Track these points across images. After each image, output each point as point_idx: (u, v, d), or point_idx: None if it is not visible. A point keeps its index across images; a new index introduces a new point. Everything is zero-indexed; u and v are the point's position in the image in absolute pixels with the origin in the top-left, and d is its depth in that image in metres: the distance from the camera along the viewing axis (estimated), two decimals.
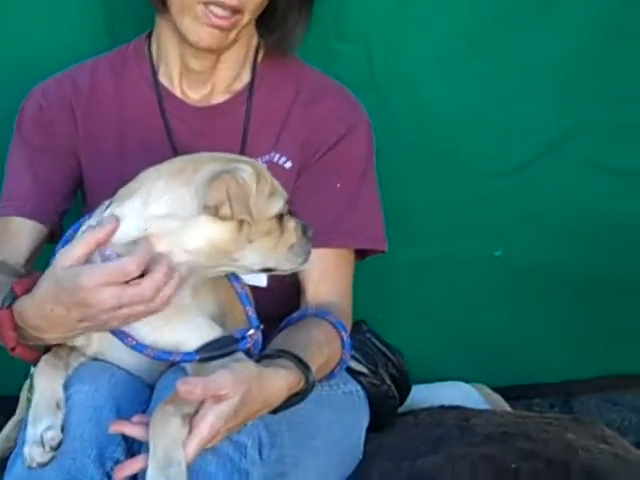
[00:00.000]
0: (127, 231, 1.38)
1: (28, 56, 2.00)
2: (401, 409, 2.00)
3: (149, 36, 1.81)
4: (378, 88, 2.08)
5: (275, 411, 1.44)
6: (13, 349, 1.46)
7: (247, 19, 1.65)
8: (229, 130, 1.77)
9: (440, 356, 2.39)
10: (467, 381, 2.33)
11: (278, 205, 1.45)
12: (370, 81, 2.08)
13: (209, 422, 1.31)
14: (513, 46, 2.10)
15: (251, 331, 1.46)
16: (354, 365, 1.84)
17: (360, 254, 1.83)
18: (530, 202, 2.25)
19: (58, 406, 1.43)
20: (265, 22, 1.76)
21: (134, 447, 1.43)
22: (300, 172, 1.76)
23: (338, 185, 1.75)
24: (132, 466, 1.33)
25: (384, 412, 1.90)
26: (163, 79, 1.79)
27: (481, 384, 2.33)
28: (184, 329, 1.44)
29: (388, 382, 1.89)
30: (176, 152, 1.74)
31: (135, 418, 1.37)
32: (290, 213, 1.53)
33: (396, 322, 2.26)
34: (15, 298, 1.43)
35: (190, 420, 1.31)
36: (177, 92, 1.78)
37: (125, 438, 1.43)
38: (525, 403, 2.50)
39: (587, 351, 2.46)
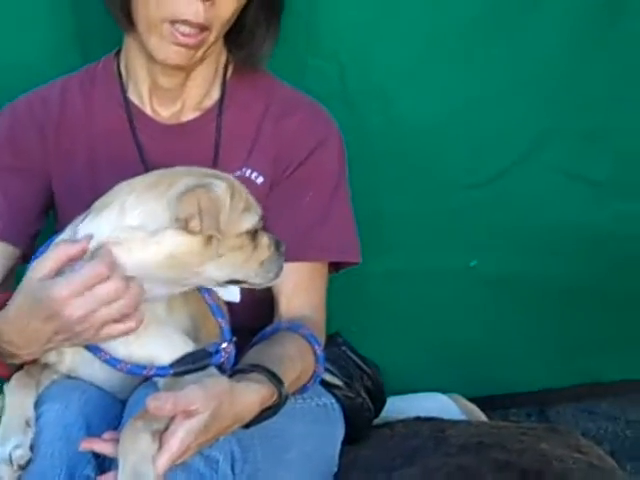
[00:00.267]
0: (102, 240, 1.38)
1: None
2: (377, 421, 2.00)
3: (118, 54, 1.81)
4: (351, 102, 2.08)
5: (248, 425, 1.44)
6: None
7: (214, 36, 1.64)
8: (200, 147, 1.76)
9: (416, 367, 2.39)
10: (443, 392, 2.34)
11: (252, 221, 1.45)
12: (342, 95, 2.08)
13: (179, 437, 1.30)
14: (484, 58, 2.10)
15: (224, 344, 1.46)
16: (329, 378, 1.84)
17: (334, 267, 1.83)
18: (504, 212, 2.26)
19: (28, 424, 1.43)
20: (233, 38, 1.76)
21: (105, 464, 1.42)
22: (272, 187, 1.76)
23: (310, 199, 1.76)
24: None
25: (359, 425, 1.90)
26: (133, 97, 1.79)
27: (457, 395, 2.34)
28: (158, 343, 1.44)
29: (363, 395, 1.89)
30: (147, 170, 1.71)
31: (105, 435, 1.37)
32: (265, 229, 1.54)
33: (371, 334, 2.25)
34: None
35: (160, 436, 1.31)
36: (147, 110, 1.78)
37: (96, 455, 1.43)
38: (501, 413, 2.51)
39: (562, 360, 2.48)
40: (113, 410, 1.49)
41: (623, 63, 2.15)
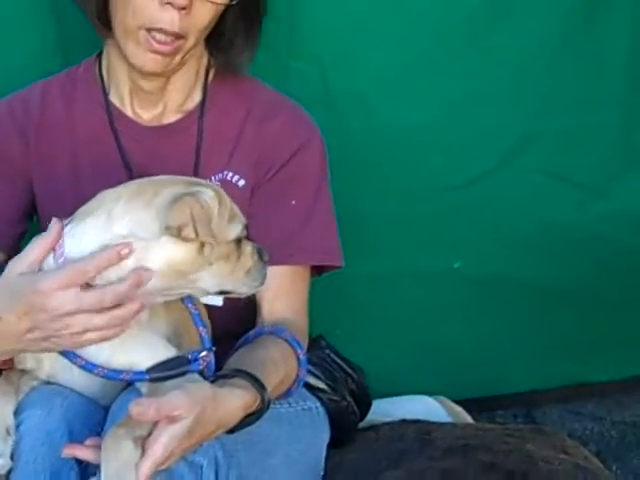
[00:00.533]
0: (88, 246, 1.38)
1: None
2: (362, 424, 2.00)
3: (99, 56, 1.81)
4: (332, 105, 2.08)
5: (231, 431, 1.44)
6: None
7: (191, 43, 1.63)
8: (182, 149, 1.76)
9: (401, 370, 2.39)
10: (429, 394, 2.34)
11: (237, 229, 1.45)
12: (324, 98, 2.08)
13: (162, 443, 1.30)
14: (465, 62, 2.11)
15: (203, 353, 1.45)
16: (313, 381, 1.83)
17: (317, 270, 1.83)
18: (487, 214, 2.26)
19: (8, 433, 1.43)
20: (214, 42, 1.75)
21: (88, 471, 1.41)
22: (254, 190, 1.76)
23: (292, 202, 1.75)
24: None
25: (344, 428, 1.90)
26: (114, 99, 1.78)
27: (443, 397, 2.34)
28: (137, 349, 1.44)
29: (348, 398, 1.89)
30: (130, 172, 1.74)
31: (88, 441, 1.36)
32: (248, 237, 1.54)
33: (355, 337, 2.25)
34: None
35: (143, 442, 1.30)
36: (128, 112, 1.77)
37: (79, 462, 1.42)
38: (488, 415, 2.51)
39: (548, 361, 2.48)
40: (96, 416, 1.49)
41: (604, 65, 2.16)
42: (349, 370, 1.91)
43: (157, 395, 1.34)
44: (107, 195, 1.43)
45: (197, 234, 1.34)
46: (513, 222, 2.29)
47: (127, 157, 1.76)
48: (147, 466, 1.29)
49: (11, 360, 1.49)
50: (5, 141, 1.77)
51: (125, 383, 1.49)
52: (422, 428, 2.01)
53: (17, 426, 1.45)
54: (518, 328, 2.42)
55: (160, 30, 1.58)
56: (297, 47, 2.06)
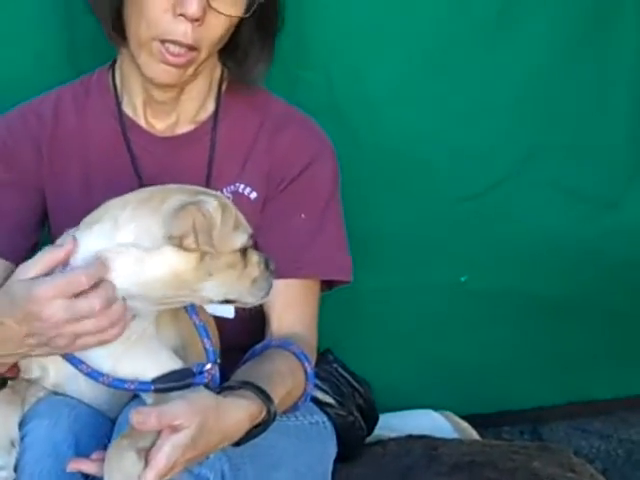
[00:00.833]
0: (91, 254, 1.37)
1: None
2: (369, 438, 1.99)
3: (113, 66, 1.80)
4: (340, 114, 2.09)
5: (238, 443, 1.42)
6: None
7: (204, 56, 1.63)
8: (194, 160, 1.75)
9: (408, 384, 2.38)
10: (435, 409, 2.33)
11: (242, 238, 1.44)
12: (332, 107, 2.08)
13: (166, 453, 1.28)
14: (473, 70, 2.11)
15: (208, 366, 1.44)
16: (320, 396, 1.83)
17: (326, 285, 1.82)
18: (495, 227, 2.26)
19: (13, 445, 1.42)
20: (228, 54, 1.75)
21: None
22: (265, 202, 1.75)
23: (303, 215, 1.75)
24: None
25: (351, 443, 1.89)
26: (127, 109, 1.77)
27: (449, 412, 2.33)
28: (143, 359, 1.43)
29: (355, 413, 1.88)
30: (142, 182, 1.73)
31: (94, 455, 1.35)
32: (257, 246, 1.53)
33: (363, 350, 2.24)
34: None
35: (146, 454, 1.29)
36: (141, 122, 1.77)
37: (85, 474, 1.40)
38: (494, 431, 2.50)
39: (555, 377, 2.48)
40: (103, 428, 1.47)
41: (613, 78, 2.17)
42: (356, 385, 1.90)
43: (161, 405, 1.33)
44: (114, 203, 1.42)
45: (198, 244, 1.34)
46: (521, 235, 2.28)
47: (139, 168, 1.75)
48: (150, 477, 1.27)
49: (17, 368, 1.48)
50: (18, 151, 1.76)
51: (132, 394, 1.48)
52: (429, 444, 2.01)
53: (23, 437, 1.43)
54: (525, 343, 2.41)
55: (173, 42, 1.57)
56: (305, 57, 2.07)
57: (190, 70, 1.64)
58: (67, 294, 1.32)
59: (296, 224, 1.75)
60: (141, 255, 1.36)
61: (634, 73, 2.18)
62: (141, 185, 1.71)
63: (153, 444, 1.30)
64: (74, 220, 1.46)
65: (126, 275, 1.36)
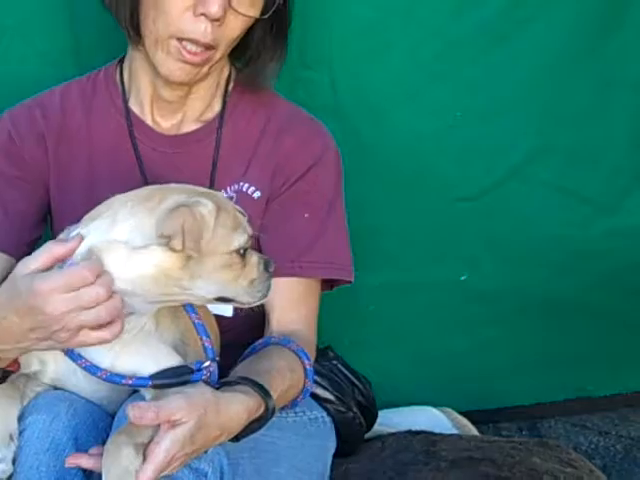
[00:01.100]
0: (90, 248, 1.39)
1: None
2: (369, 434, 2.00)
3: (120, 63, 1.81)
4: (342, 114, 2.09)
5: (236, 439, 1.44)
6: None
7: (220, 54, 1.65)
8: (199, 159, 1.77)
9: (408, 381, 2.39)
10: (435, 405, 2.34)
11: (240, 239, 1.45)
12: (334, 107, 2.09)
13: (164, 447, 1.30)
14: (476, 71, 2.11)
15: (207, 363, 1.45)
16: (320, 392, 1.84)
17: (327, 284, 1.83)
18: (494, 227, 2.26)
19: (11, 438, 1.43)
20: (238, 55, 1.76)
21: (93, 477, 1.42)
22: (269, 202, 1.77)
23: (306, 215, 1.76)
24: None
25: (351, 438, 1.90)
26: (134, 107, 1.79)
27: (449, 408, 2.33)
28: (142, 355, 1.45)
29: (354, 409, 1.89)
30: (146, 180, 1.74)
31: (92, 450, 1.37)
32: (259, 245, 1.53)
33: (363, 347, 2.26)
34: None
35: (144, 449, 1.30)
36: (148, 120, 1.78)
37: (84, 469, 1.41)
38: (493, 427, 2.51)
39: (554, 374, 2.48)
40: (102, 423, 1.49)
41: (614, 79, 2.16)
42: (356, 381, 1.91)
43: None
44: (116, 200, 1.44)
45: (183, 247, 1.35)
46: (521, 235, 2.28)
47: (144, 165, 1.77)
48: (150, 471, 1.29)
49: (17, 363, 1.50)
50: (22, 146, 1.77)
51: (131, 389, 1.49)
52: (428, 439, 2.02)
53: (21, 431, 1.44)
54: (524, 341, 2.41)
55: (192, 40, 1.59)
56: (307, 57, 2.07)
57: (205, 69, 1.66)
58: (70, 288, 1.33)
59: (299, 224, 1.76)
60: (130, 252, 1.37)
61: (636, 76, 2.18)
62: (145, 182, 1.72)
63: (151, 439, 1.31)
64: (76, 215, 1.48)
65: (116, 271, 1.37)
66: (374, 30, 2.07)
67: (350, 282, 1.82)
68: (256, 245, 1.74)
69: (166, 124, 1.78)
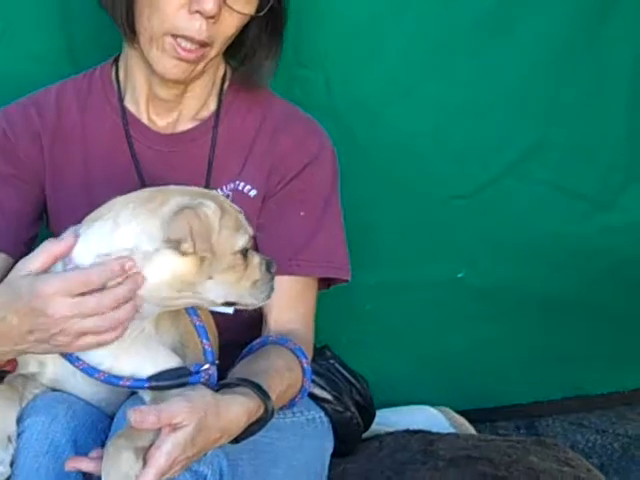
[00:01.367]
0: (91, 252, 1.38)
1: None
2: (366, 434, 1.99)
3: (116, 62, 1.81)
4: (337, 112, 2.09)
5: (236, 440, 1.43)
6: None
7: (215, 52, 1.65)
8: (195, 157, 1.76)
9: (405, 380, 2.39)
10: (432, 404, 2.34)
11: (242, 240, 1.45)
12: (329, 105, 2.08)
13: (166, 451, 1.29)
14: (471, 70, 2.11)
15: (206, 365, 1.45)
16: (318, 392, 1.83)
17: (325, 283, 1.83)
18: (491, 224, 2.26)
19: (10, 440, 1.42)
20: (233, 53, 1.76)
21: (93, 479, 1.40)
22: (265, 200, 1.76)
23: (302, 214, 1.76)
24: None
25: (348, 438, 1.90)
26: (129, 105, 1.78)
27: (446, 407, 2.34)
28: (141, 357, 1.44)
29: (352, 409, 1.88)
30: (142, 178, 1.75)
31: (92, 453, 1.36)
32: (256, 243, 1.53)
33: (361, 346, 2.26)
34: None
35: (145, 453, 1.30)
36: (143, 118, 1.78)
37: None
38: (490, 426, 2.51)
39: (551, 372, 2.48)
40: (101, 424, 1.48)
41: (609, 76, 2.16)
42: (354, 381, 1.91)
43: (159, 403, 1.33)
44: (117, 201, 1.43)
45: (195, 249, 1.35)
46: (517, 232, 2.28)
47: (140, 164, 1.76)
48: (151, 476, 1.28)
49: (15, 361, 1.49)
50: (18, 145, 1.77)
51: (130, 391, 1.49)
52: (425, 438, 2.02)
53: (20, 433, 1.44)
54: (521, 339, 2.42)
55: (187, 37, 1.59)
56: (302, 55, 2.07)
57: (200, 66, 1.65)
58: (74, 292, 1.33)
59: (295, 222, 1.76)
60: (142, 256, 1.37)
61: (632, 72, 2.17)
62: (141, 181, 1.73)
63: (151, 443, 1.31)
64: (73, 213, 1.47)
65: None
66: (368, 29, 2.07)
67: (347, 281, 1.82)
68: (253, 244, 1.74)
69: (162, 122, 1.78)
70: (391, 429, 2.11)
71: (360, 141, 2.14)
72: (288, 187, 1.76)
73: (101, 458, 1.32)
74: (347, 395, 1.88)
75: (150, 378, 1.42)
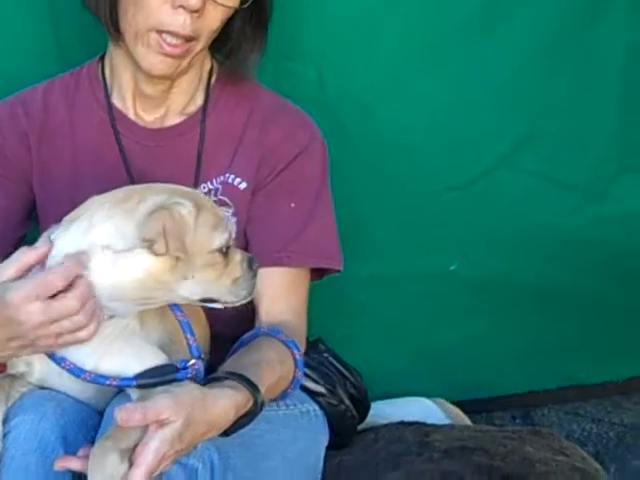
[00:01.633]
0: (62, 254, 1.38)
1: None
2: (361, 426, 1.99)
3: (102, 59, 1.81)
4: (329, 106, 2.08)
5: (226, 434, 1.43)
6: None
7: (201, 46, 1.64)
8: (183, 152, 1.76)
9: (399, 372, 2.39)
10: (427, 396, 2.34)
11: (221, 238, 1.44)
12: (321, 99, 2.07)
13: (154, 448, 1.29)
14: (462, 63, 2.11)
15: (192, 361, 1.45)
16: (311, 385, 1.83)
17: (317, 274, 1.83)
18: (483, 216, 2.26)
19: None
20: (219, 47, 1.76)
21: (82, 476, 1.38)
22: (255, 193, 1.76)
23: (292, 205, 1.76)
24: None
25: (343, 431, 1.90)
26: (116, 102, 1.78)
27: (441, 399, 2.34)
28: (126, 355, 1.44)
29: (346, 402, 1.88)
30: (130, 174, 1.75)
31: (81, 452, 1.35)
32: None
33: (354, 339, 2.26)
34: None
35: (130, 454, 1.29)
36: (131, 114, 1.78)
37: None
38: (486, 416, 2.52)
39: (546, 362, 2.49)
40: (90, 421, 1.49)
41: (601, 67, 2.16)
42: (348, 374, 1.90)
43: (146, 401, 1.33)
44: (95, 201, 1.44)
45: (167, 249, 1.34)
46: (509, 224, 2.28)
47: (128, 160, 1.76)
48: (140, 473, 1.28)
49: (4, 365, 1.49)
50: (6, 144, 1.77)
51: (117, 388, 1.48)
52: (420, 430, 2.01)
53: (9, 432, 1.44)
54: (515, 330, 2.42)
55: (171, 33, 1.59)
56: (293, 49, 2.06)
57: (186, 61, 1.65)
58: (41, 297, 1.33)
59: (286, 213, 1.75)
60: (115, 257, 1.37)
61: (624, 63, 2.17)
62: (130, 178, 1.73)
63: (137, 443, 1.30)
64: (63, 212, 1.47)
65: (102, 276, 1.37)
66: (361, 23, 2.06)
67: (339, 271, 1.81)
68: (243, 236, 1.74)
69: (149, 118, 1.78)
70: (386, 421, 2.10)
71: (353, 134, 2.14)
72: (278, 178, 1.76)
73: (88, 457, 1.32)
74: (341, 388, 1.88)
75: (137, 376, 1.42)
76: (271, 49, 1.85)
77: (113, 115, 1.78)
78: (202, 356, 1.48)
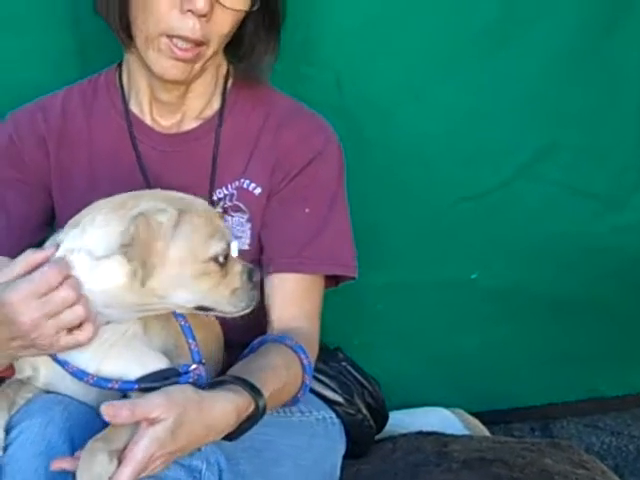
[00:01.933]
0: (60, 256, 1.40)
1: None
2: (379, 435, 1.98)
3: (120, 65, 1.82)
4: (347, 112, 2.07)
5: (229, 438, 1.42)
6: None
7: (212, 50, 1.64)
8: (199, 156, 1.76)
9: (418, 381, 2.38)
10: (446, 406, 2.32)
11: (217, 247, 1.43)
12: (339, 105, 2.07)
13: (143, 446, 1.28)
14: (482, 69, 2.10)
15: (193, 366, 1.44)
16: (329, 394, 1.82)
17: (332, 281, 1.82)
18: (504, 225, 2.25)
19: None
20: (233, 50, 1.75)
21: None
22: (269, 198, 1.76)
23: (307, 210, 1.75)
24: None
25: (361, 440, 1.89)
26: (134, 108, 1.79)
27: (460, 409, 2.32)
28: (127, 360, 1.44)
29: (364, 411, 1.87)
30: (147, 179, 1.75)
31: (78, 453, 1.34)
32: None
33: (373, 347, 2.25)
34: None
35: (119, 455, 1.29)
36: (147, 120, 1.78)
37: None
38: (505, 428, 2.50)
39: (566, 374, 2.47)
40: (96, 424, 1.45)
41: (621, 76, 2.15)
42: (366, 383, 1.90)
43: None
44: (97, 205, 1.44)
45: (129, 257, 1.35)
46: (529, 233, 2.27)
47: (144, 165, 1.76)
48: (127, 471, 1.27)
49: (12, 368, 1.50)
50: (24, 149, 1.78)
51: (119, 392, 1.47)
52: (439, 440, 2.00)
53: (15, 437, 1.42)
54: (534, 339, 2.40)
55: (181, 37, 1.59)
56: (312, 54, 2.06)
57: (198, 65, 1.65)
58: (37, 295, 1.34)
59: (300, 219, 1.75)
60: (95, 263, 1.38)
61: None
62: (146, 183, 1.74)
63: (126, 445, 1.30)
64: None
65: (90, 282, 1.38)
66: (380, 28, 2.06)
67: (354, 278, 1.80)
68: (257, 241, 1.74)
69: (166, 123, 1.78)
70: (404, 431, 2.09)
71: (370, 141, 2.13)
72: (292, 184, 1.75)
73: None
74: (359, 397, 1.87)
75: (139, 380, 1.41)
76: (290, 54, 1.86)
77: (130, 121, 1.78)
78: (203, 361, 1.47)
